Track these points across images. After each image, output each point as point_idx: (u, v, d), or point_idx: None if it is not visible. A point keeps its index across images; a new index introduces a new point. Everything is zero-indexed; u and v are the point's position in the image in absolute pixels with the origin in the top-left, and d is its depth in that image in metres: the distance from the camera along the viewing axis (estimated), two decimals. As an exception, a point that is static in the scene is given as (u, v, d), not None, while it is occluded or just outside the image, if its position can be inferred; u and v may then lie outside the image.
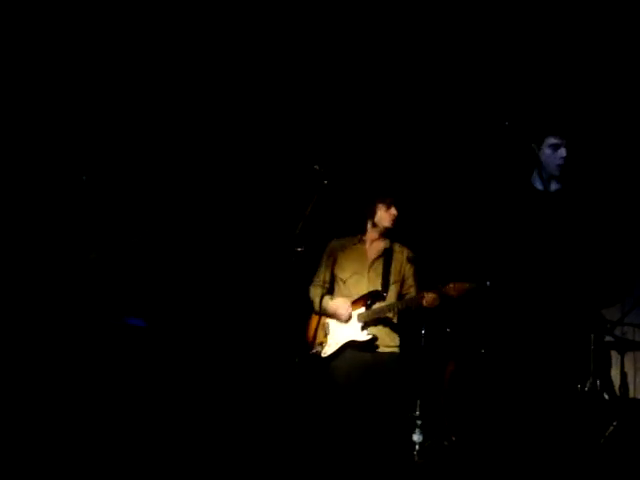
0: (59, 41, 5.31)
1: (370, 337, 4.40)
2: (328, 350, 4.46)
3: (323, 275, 4.69)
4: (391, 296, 4.52)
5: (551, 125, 3.84)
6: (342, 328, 4.49)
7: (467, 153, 5.80)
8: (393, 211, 4.66)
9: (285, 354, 4.98)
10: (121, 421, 3.91)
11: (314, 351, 4.47)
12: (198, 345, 5.78)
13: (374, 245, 4.70)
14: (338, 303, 4.55)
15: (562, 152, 3.76)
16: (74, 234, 4.77)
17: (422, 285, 4.58)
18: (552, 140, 3.78)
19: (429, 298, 4.33)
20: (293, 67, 5.76)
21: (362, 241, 4.73)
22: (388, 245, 4.68)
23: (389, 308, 4.45)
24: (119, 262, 4.34)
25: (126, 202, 4.46)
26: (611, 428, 4.11)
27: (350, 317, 4.49)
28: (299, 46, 5.60)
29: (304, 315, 4.77)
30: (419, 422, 5.03)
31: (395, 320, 4.53)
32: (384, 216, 4.68)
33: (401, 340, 4.56)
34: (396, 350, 4.50)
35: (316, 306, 4.61)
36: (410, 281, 4.63)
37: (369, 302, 4.48)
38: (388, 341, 4.47)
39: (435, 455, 4.98)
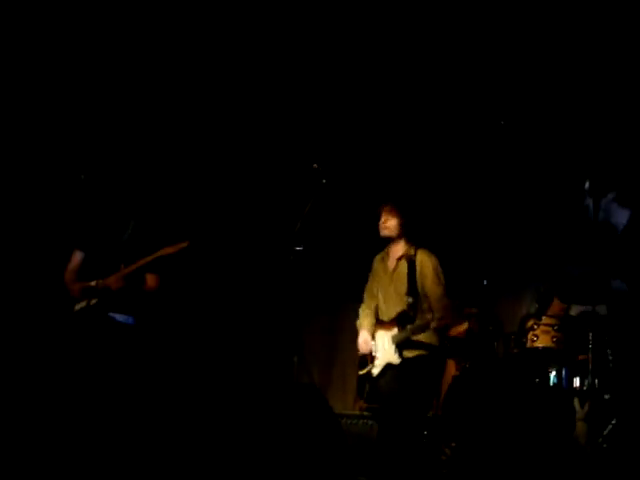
0: (59, 41, 5.30)
1: (401, 360, 4.41)
2: (375, 371, 4.53)
3: (367, 293, 4.75)
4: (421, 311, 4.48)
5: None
6: (383, 350, 4.52)
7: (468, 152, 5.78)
8: (381, 219, 4.55)
9: (283, 353, 4.98)
10: (108, 420, 3.89)
11: (367, 370, 4.58)
12: (193, 344, 5.78)
13: (392, 256, 4.61)
14: (361, 338, 4.62)
15: None
16: (67, 232, 4.77)
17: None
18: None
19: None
20: (292, 67, 5.75)
21: (387, 253, 4.67)
22: (407, 253, 4.53)
23: (413, 331, 4.40)
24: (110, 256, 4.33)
25: (124, 199, 4.45)
26: (610, 427, 4.09)
27: (370, 351, 4.56)
28: (298, 45, 5.59)
29: (303, 313, 4.80)
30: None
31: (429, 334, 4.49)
32: (379, 226, 4.61)
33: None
34: (422, 353, 4.46)
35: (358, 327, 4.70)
36: (429, 298, 4.48)
37: (400, 324, 4.46)
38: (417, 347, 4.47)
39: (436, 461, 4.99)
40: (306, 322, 5.88)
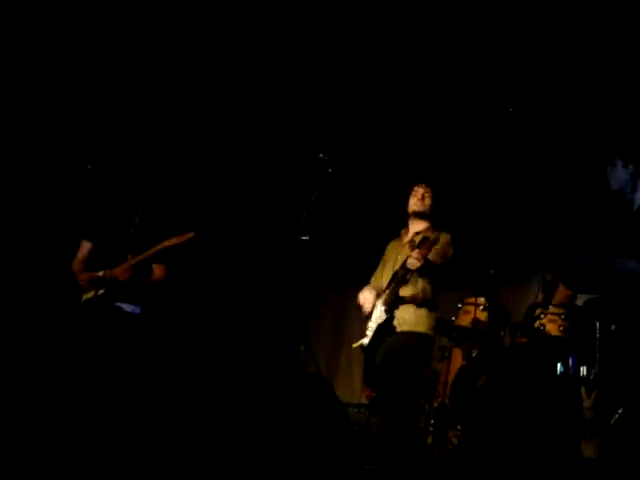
0: (63, 33, 5.31)
1: (387, 316, 4.37)
2: (365, 340, 4.52)
3: (374, 277, 4.71)
4: (417, 281, 4.42)
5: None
6: (375, 317, 4.48)
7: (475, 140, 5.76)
8: (418, 194, 4.59)
9: (289, 342, 5.00)
10: (115, 409, 3.91)
11: (360, 342, 4.54)
12: (199, 334, 5.81)
13: (411, 230, 4.64)
14: (364, 296, 4.57)
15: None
16: (74, 224, 4.79)
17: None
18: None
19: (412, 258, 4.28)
20: (299, 57, 5.74)
21: (406, 231, 4.68)
22: (424, 230, 4.57)
23: (393, 279, 4.38)
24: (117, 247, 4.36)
25: (130, 189, 4.46)
26: (616, 416, 4.09)
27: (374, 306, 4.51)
28: (304, 35, 5.58)
29: (309, 303, 4.80)
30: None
31: (423, 305, 4.44)
32: (410, 201, 4.62)
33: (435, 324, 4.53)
34: (420, 330, 4.42)
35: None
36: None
37: (392, 283, 4.44)
38: (412, 324, 4.41)
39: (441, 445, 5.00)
40: (312, 312, 5.91)
